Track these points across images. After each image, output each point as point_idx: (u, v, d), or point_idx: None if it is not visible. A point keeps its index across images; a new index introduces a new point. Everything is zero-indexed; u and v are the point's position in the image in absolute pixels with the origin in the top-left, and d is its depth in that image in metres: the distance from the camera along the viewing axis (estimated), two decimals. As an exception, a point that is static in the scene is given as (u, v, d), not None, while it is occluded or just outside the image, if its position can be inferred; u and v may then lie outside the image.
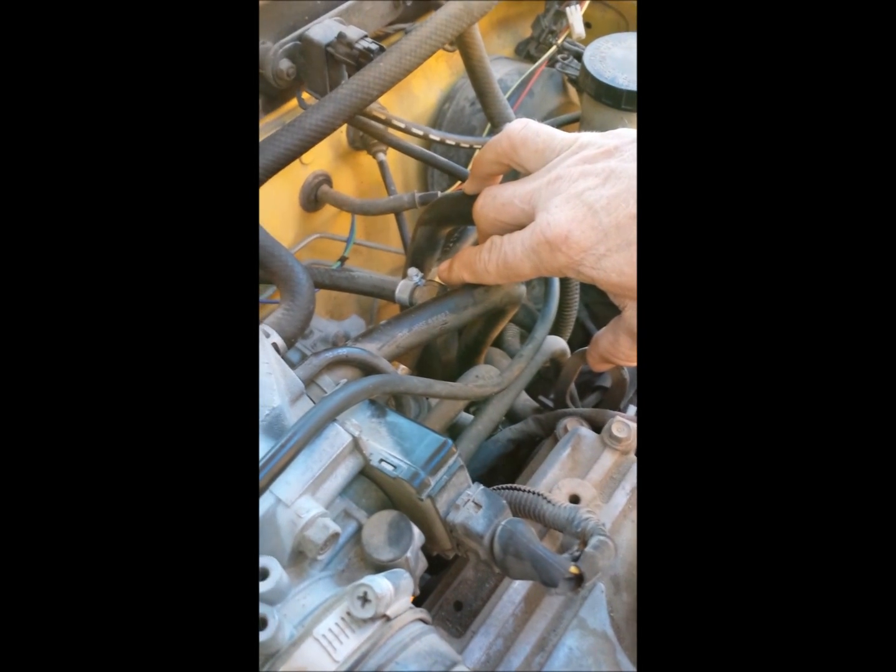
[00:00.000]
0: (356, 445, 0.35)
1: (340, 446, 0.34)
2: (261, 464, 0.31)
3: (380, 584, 0.29)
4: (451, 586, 0.42)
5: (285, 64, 0.57)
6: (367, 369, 0.46)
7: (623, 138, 0.40)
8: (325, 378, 0.44)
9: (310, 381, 0.42)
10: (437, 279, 0.53)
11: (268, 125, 0.64)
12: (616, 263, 0.37)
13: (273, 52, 0.57)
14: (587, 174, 0.38)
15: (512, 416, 0.62)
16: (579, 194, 0.38)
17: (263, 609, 0.28)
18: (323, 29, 0.57)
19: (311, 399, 0.41)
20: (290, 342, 0.45)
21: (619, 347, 0.44)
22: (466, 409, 0.60)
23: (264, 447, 0.34)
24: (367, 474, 0.37)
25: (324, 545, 0.31)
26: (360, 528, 0.34)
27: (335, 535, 0.32)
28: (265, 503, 0.32)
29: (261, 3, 0.56)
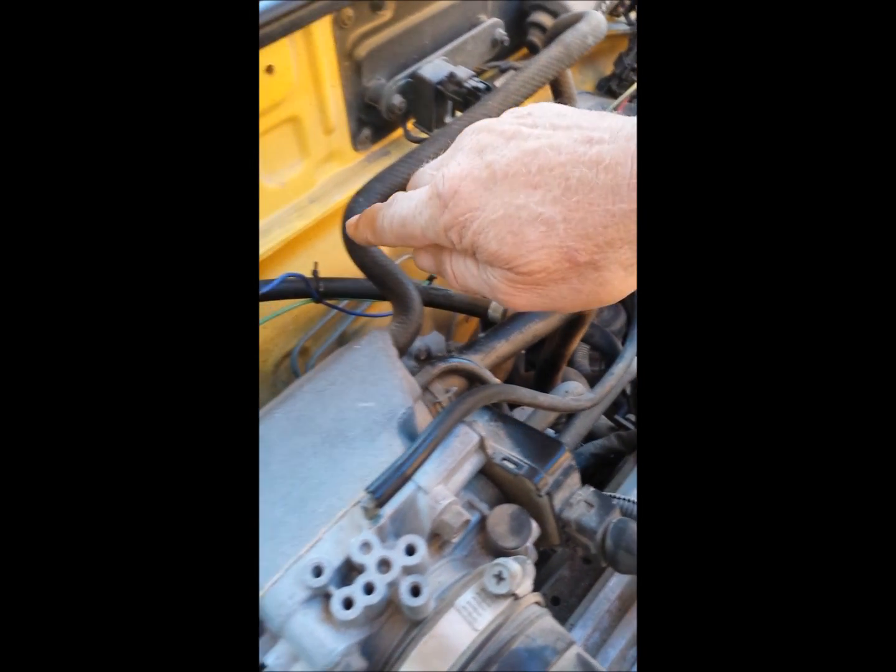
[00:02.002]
0: (482, 445, 0.39)
1: (469, 444, 0.39)
2: (406, 455, 0.36)
3: (512, 565, 0.34)
4: (547, 583, 0.46)
5: (397, 99, 0.63)
6: (472, 378, 0.51)
7: (538, 106, 0.38)
8: (436, 385, 0.49)
9: (424, 387, 0.47)
10: None
11: (374, 154, 0.70)
12: (499, 231, 0.34)
13: (387, 88, 0.63)
14: (492, 130, 0.36)
15: (588, 434, 0.66)
16: (481, 150, 0.35)
17: (417, 579, 0.32)
18: (433, 68, 0.63)
19: (424, 403, 0.46)
20: (401, 352, 0.50)
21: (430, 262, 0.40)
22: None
23: (398, 443, 0.39)
24: (484, 471, 0.41)
25: (458, 529, 0.36)
26: (482, 519, 0.39)
27: (467, 522, 0.36)
28: (408, 489, 0.36)
29: (377, 43, 0.62)
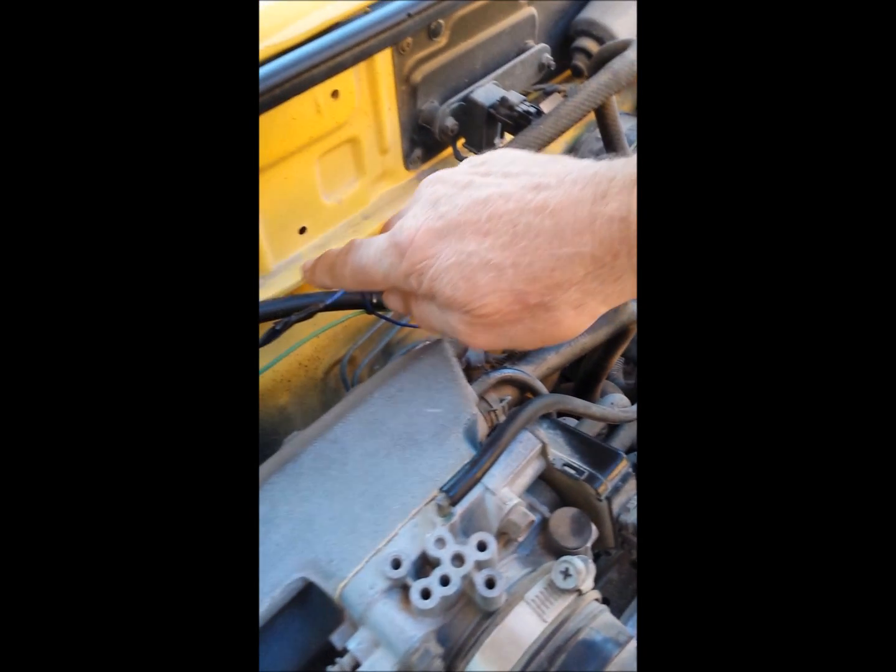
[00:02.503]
0: (543, 451, 0.42)
1: (532, 450, 0.41)
2: (476, 458, 0.39)
3: (578, 562, 0.36)
4: (596, 586, 0.48)
5: (450, 121, 0.66)
6: (524, 389, 0.53)
7: (494, 155, 0.39)
8: (491, 394, 0.51)
9: (480, 396, 0.50)
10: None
11: (423, 172, 0.73)
12: (452, 277, 0.35)
13: (441, 111, 0.66)
14: (447, 181, 0.38)
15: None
16: (436, 201, 0.37)
17: (491, 572, 0.35)
18: (485, 92, 0.66)
19: (479, 411, 0.48)
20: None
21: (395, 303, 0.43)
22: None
23: (465, 447, 0.42)
24: (543, 476, 0.44)
25: (524, 529, 0.38)
26: (543, 521, 0.41)
27: (531, 522, 0.39)
28: (476, 491, 0.39)
29: (432, 68, 0.65)
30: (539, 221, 0.34)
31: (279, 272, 0.64)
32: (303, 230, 0.65)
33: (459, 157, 0.70)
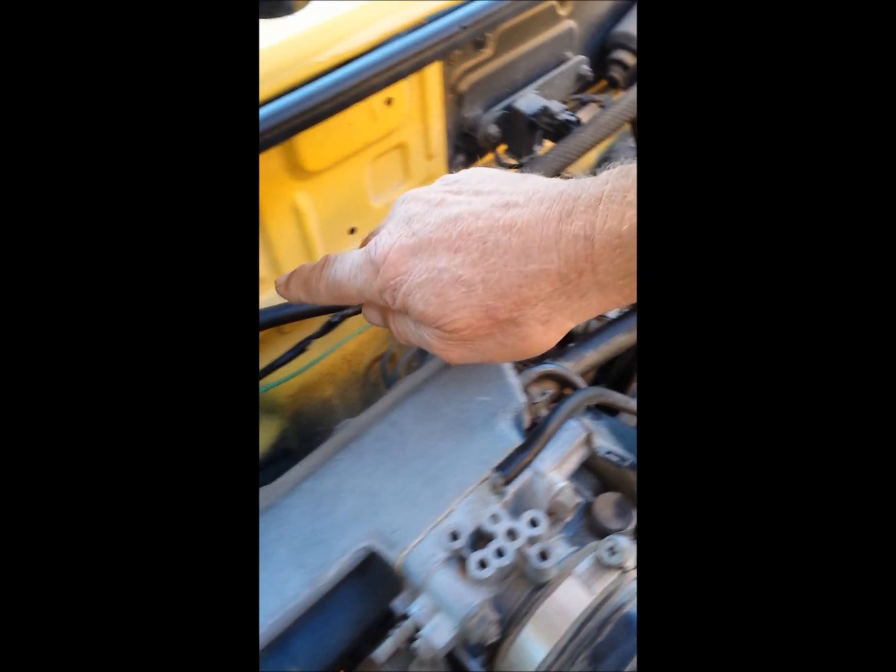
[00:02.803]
0: (588, 439, 0.44)
1: (578, 437, 0.44)
2: (528, 442, 0.42)
3: (623, 541, 0.38)
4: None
5: (493, 129, 0.69)
6: (564, 383, 0.56)
7: (466, 173, 0.40)
8: (533, 387, 0.54)
9: (523, 389, 0.52)
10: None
11: (465, 176, 0.76)
12: (425, 293, 0.36)
13: (484, 119, 0.69)
14: (420, 199, 0.39)
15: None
16: (409, 219, 0.38)
17: (545, 545, 0.37)
18: (527, 101, 0.69)
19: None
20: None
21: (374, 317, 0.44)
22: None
23: (514, 433, 0.44)
24: (586, 463, 0.46)
25: (571, 509, 0.41)
26: (587, 504, 0.44)
27: (578, 504, 0.41)
28: (527, 473, 0.42)
29: (477, 77, 0.69)
30: (507, 239, 0.35)
31: (329, 269, 0.68)
32: (352, 230, 0.68)
33: (500, 163, 0.73)
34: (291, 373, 0.71)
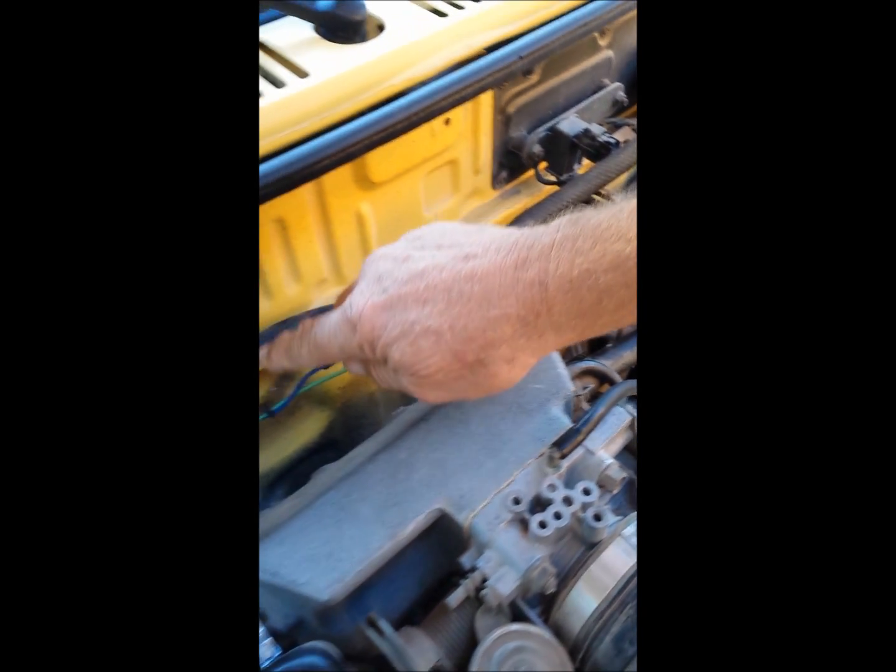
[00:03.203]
0: (632, 424, 0.50)
1: (623, 421, 0.50)
2: (581, 423, 0.47)
3: (665, 508, 0.44)
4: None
5: (537, 148, 0.76)
6: (604, 379, 0.61)
7: (427, 229, 0.44)
8: (576, 382, 0.60)
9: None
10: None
11: (507, 192, 0.82)
12: (400, 344, 0.40)
13: (529, 139, 0.76)
14: (387, 257, 0.42)
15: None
16: (379, 277, 0.41)
17: (599, 509, 0.43)
18: (570, 123, 0.76)
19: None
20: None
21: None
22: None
23: (564, 417, 0.50)
24: (628, 447, 0.52)
25: (618, 483, 0.46)
26: (630, 481, 0.49)
27: (625, 478, 0.47)
28: (579, 451, 0.47)
29: (524, 101, 0.75)
30: (469, 288, 0.38)
31: (383, 273, 0.74)
32: (405, 237, 0.74)
33: (541, 179, 0.79)
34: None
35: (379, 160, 0.64)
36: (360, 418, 0.84)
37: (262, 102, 0.53)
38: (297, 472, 0.81)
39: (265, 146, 0.53)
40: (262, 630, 0.44)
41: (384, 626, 0.40)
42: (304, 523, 0.44)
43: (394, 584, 0.46)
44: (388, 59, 0.60)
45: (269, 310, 0.66)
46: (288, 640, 0.46)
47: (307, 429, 0.79)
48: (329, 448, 0.84)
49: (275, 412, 0.62)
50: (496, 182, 0.80)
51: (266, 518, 0.46)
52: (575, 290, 0.36)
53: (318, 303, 0.71)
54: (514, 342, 0.39)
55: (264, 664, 0.44)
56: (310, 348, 0.46)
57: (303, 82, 0.55)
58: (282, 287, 0.66)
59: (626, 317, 0.37)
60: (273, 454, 0.76)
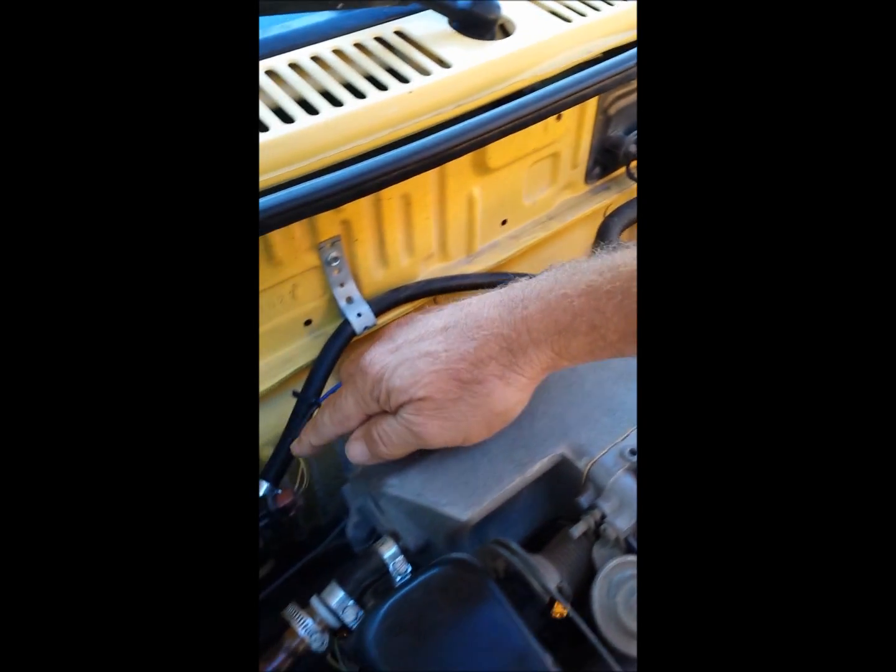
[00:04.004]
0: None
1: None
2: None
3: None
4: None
5: (633, 148, 0.81)
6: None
7: (437, 306, 0.52)
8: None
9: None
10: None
11: (597, 187, 0.88)
12: (401, 372, 0.46)
13: (626, 139, 0.82)
14: (401, 325, 0.50)
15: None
16: (391, 335, 0.49)
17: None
18: (664, 128, 0.81)
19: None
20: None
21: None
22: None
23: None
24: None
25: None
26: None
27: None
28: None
29: (624, 104, 0.81)
30: (462, 318, 0.47)
31: (482, 253, 0.80)
32: (504, 222, 0.81)
33: (631, 176, 0.85)
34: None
35: (497, 148, 0.70)
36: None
37: (409, 87, 0.59)
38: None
39: (411, 128, 0.60)
40: (395, 548, 0.51)
41: (515, 546, 0.46)
42: (442, 456, 0.51)
43: (510, 519, 0.52)
44: (517, 57, 0.66)
45: (383, 278, 0.73)
46: (416, 560, 0.52)
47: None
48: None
49: (319, 401, 0.66)
50: (589, 177, 0.86)
51: None
52: (552, 310, 0.44)
53: (423, 276, 0.77)
54: (502, 359, 0.45)
55: (400, 579, 0.50)
56: (332, 416, 0.51)
57: (446, 72, 0.61)
58: (397, 258, 0.72)
59: (597, 340, 0.43)
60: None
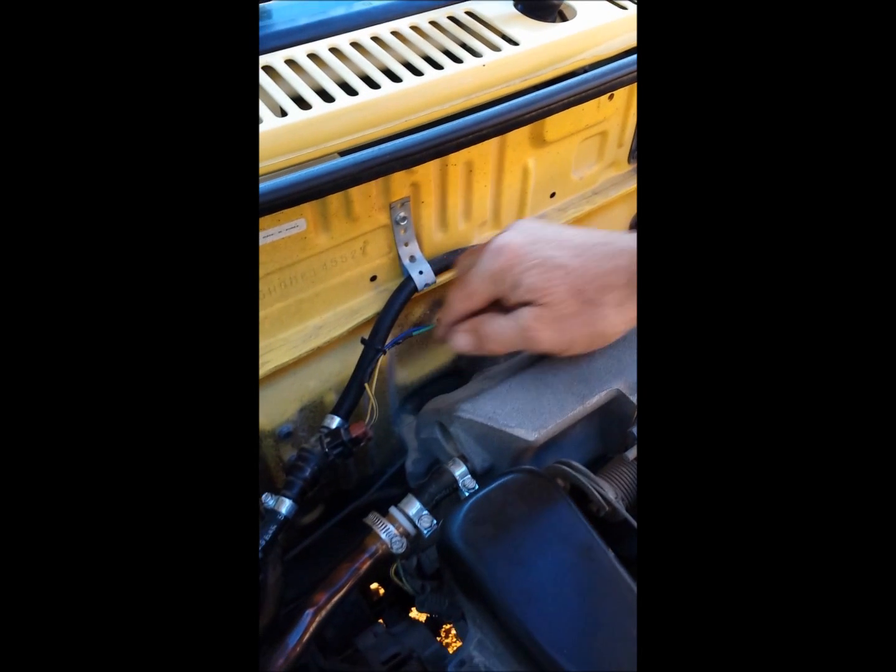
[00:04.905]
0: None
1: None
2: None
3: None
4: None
5: (675, 130, 0.87)
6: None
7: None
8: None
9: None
10: None
11: (636, 168, 0.94)
12: (535, 272, 0.50)
13: (669, 121, 0.88)
14: (533, 222, 0.56)
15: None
16: (524, 228, 0.54)
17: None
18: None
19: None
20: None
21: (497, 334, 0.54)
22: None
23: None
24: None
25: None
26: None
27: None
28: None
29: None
30: (596, 244, 0.51)
31: (532, 223, 0.86)
32: (553, 195, 0.87)
33: (672, 159, 0.91)
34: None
35: (555, 121, 0.76)
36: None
37: (482, 61, 0.66)
38: (424, 393, 0.94)
39: (482, 98, 0.66)
40: (464, 468, 0.57)
41: (577, 465, 0.52)
42: (510, 386, 0.57)
43: (565, 449, 0.59)
44: (579, 38, 0.72)
45: (441, 241, 0.79)
46: (481, 483, 0.58)
47: (443, 352, 0.92)
48: (454, 376, 0.97)
49: (385, 349, 0.73)
50: (632, 157, 0.92)
51: (480, 380, 0.59)
52: None
53: (476, 241, 0.83)
54: (624, 290, 0.50)
55: (466, 492, 0.56)
56: (456, 291, 0.57)
57: (514, 49, 0.68)
58: (456, 223, 0.79)
59: None
60: (412, 372, 0.89)
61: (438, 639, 0.86)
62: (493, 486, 0.49)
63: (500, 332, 0.53)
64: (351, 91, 0.61)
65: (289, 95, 0.59)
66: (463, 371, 1.00)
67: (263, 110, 0.57)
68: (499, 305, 0.55)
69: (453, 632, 1.36)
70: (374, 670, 0.79)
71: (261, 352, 0.69)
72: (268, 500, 0.61)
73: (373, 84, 0.62)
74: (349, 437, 0.66)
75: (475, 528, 0.47)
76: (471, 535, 0.47)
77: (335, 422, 0.68)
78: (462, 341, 0.56)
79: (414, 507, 0.55)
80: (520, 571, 0.45)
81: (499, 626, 0.44)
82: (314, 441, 0.65)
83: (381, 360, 0.71)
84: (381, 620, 0.89)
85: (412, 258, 0.76)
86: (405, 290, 0.76)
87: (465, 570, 0.46)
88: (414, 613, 0.97)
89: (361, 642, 0.84)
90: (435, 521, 0.55)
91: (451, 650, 0.71)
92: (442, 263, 0.78)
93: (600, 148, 0.88)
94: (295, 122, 0.57)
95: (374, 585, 1.07)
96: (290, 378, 0.74)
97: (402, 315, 0.75)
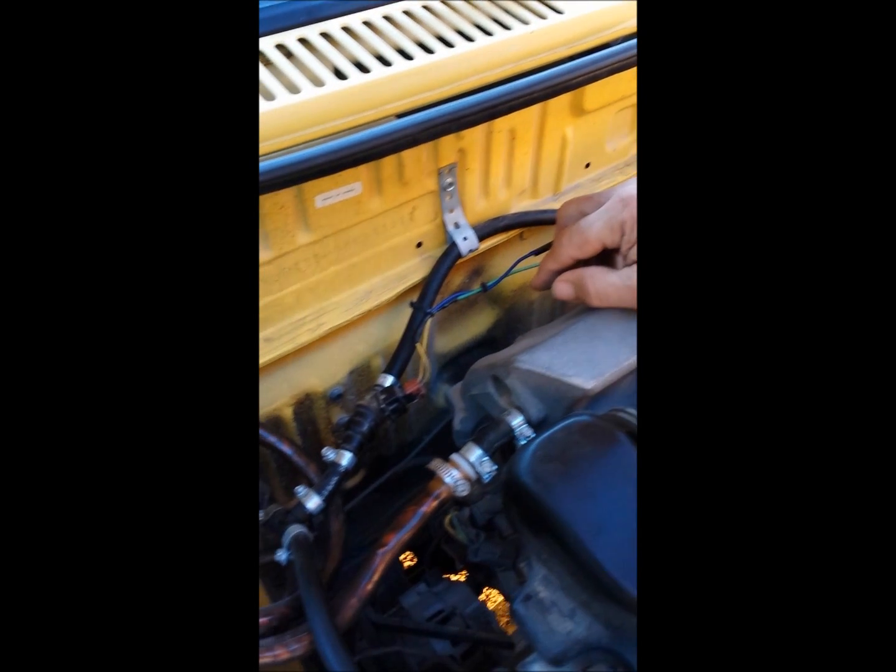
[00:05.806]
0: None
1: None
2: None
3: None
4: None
5: (707, 101, 0.90)
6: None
7: None
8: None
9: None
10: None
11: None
12: None
13: (701, 92, 0.90)
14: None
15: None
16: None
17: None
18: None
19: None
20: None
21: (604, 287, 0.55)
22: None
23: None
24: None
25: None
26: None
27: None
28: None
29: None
30: None
31: (567, 193, 0.89)
32: (587, 165, 0.89)
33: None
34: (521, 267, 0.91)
35: (595, 89, 0.78)
36: (517, 322, 0.99)
37: (528, 28, 0.68)
38: (458, 362, 0.96)
39: (528, 65, 0.68)
40: (521, 417, 0.59)
41: (633, 411, 0.55)
42: (564, 338, 0.59)
43: (618, 398, 0.61)
44: (620, 8, 0.74)
45: (483, 209, 0.81)
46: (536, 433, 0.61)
47: (479, 322, 0.95)
48: (489, 344, 1.00)
49: (489, 287, 0.77)
50: (663, 129, 0.94)
51: (529, 336, 0.62)
52: None
53: (514, 209, 0.85)
54: None
55: (524, 440, 0.59)
56: (569, 237, 0.56)
57: (559, 17, 0.70)
58: (497, 191, 0.81)
59: None
60: (450, 340, 0.92)
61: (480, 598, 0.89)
62: (557, 427, 0.51)
63: (609, 290, 0.55)
64: (407, 56, 0.63)
65: (350, 60, 0.61)
66: (496, 340, 1.02)
67: (324, 73, 0.60)
68: (603, 258, 0.56)
69: (494, 593, 1.39)
70: (422, 625, 0.82)
71: (315, 314, 0.72)
72: (328, 453, 0.64)
73: (427, 49, 0.64)
74: (403, 394, 0.68)
75: (542, 466, 0.49)
76: (539, 471, 0.49)
77: (388, 380, 0.70)
78: (566, 291, 0.57)
79: (475, 453, 0.58)
80: (588, 504, 0.47)
81: (568, 557, 0.47)
82: (369, 398, 0.68)
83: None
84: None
85: (457, 225, 0.79)
86: (450, 256, 0.78)
87: (533, 504, 0.48)
88: (453, 577, 0.99)
89: (406, 600, 0.87)
90: (495, 467, 0.58)
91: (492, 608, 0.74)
92: (484, 230, 0.81)
93: (633, 120, 0.90)
94: (354, 84, 0.59)
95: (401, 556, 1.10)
96: (341, 342, 0.77)
97: (449, 279, 0.78)
